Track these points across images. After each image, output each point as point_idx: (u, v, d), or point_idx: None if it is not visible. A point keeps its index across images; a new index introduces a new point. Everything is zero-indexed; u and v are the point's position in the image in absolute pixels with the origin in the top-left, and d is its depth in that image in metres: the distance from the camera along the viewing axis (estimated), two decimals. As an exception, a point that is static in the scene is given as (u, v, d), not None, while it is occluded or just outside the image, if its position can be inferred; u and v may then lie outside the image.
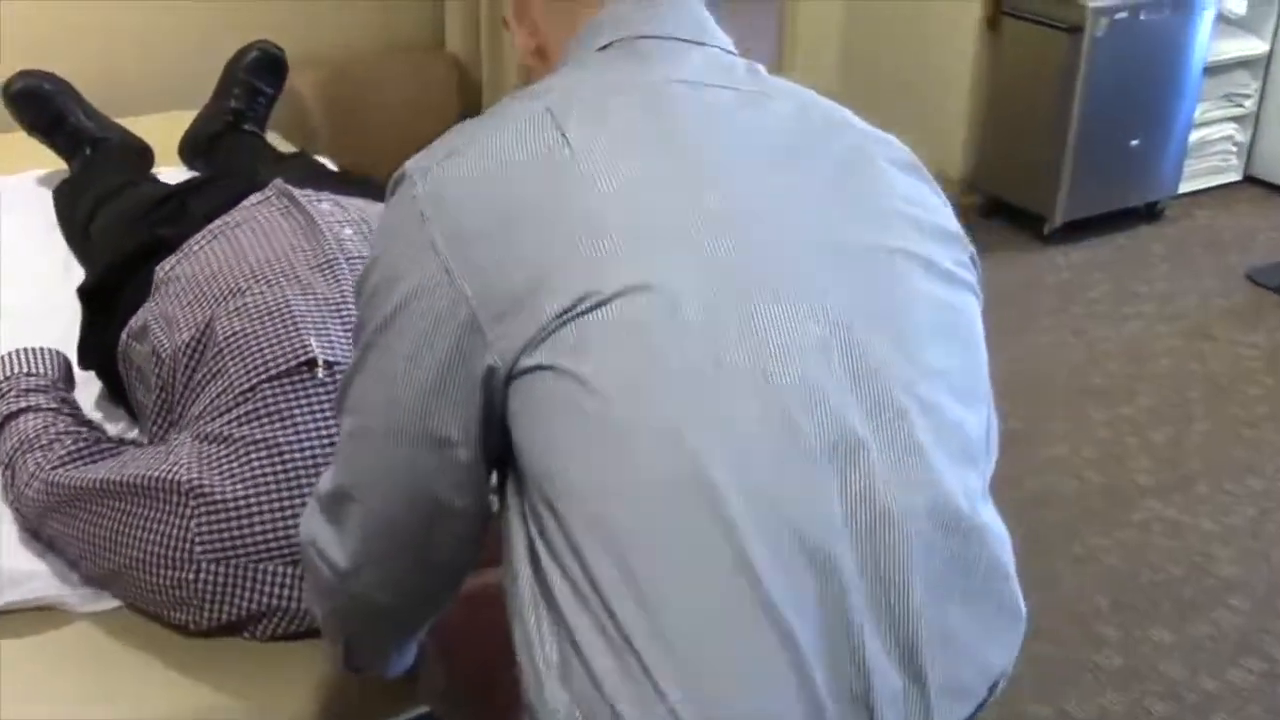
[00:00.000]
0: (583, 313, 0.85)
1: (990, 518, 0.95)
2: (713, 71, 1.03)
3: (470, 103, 3.63)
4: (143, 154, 2.44)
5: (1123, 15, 3.75)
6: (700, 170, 0.94)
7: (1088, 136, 3.89)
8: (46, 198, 2.36)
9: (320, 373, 1.36)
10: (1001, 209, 4.15)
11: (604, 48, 1.04)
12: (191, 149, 2.50)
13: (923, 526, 0.89)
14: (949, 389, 0.94)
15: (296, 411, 1.34)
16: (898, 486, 0.88)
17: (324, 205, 1.59)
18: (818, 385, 0.87)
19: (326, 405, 1.35)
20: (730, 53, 1.08)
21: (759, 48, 5.16)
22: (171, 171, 2.47)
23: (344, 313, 1.43)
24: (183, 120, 2.57)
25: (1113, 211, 4.13)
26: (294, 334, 1.38)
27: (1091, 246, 4.04)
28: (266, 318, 1.40)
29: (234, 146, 2.44)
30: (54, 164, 2.48)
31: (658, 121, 0.96)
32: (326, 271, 1.48)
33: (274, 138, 2.74)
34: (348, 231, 1.55)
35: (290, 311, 1.40)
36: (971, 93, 4.17)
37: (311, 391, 1.35)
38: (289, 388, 1.34)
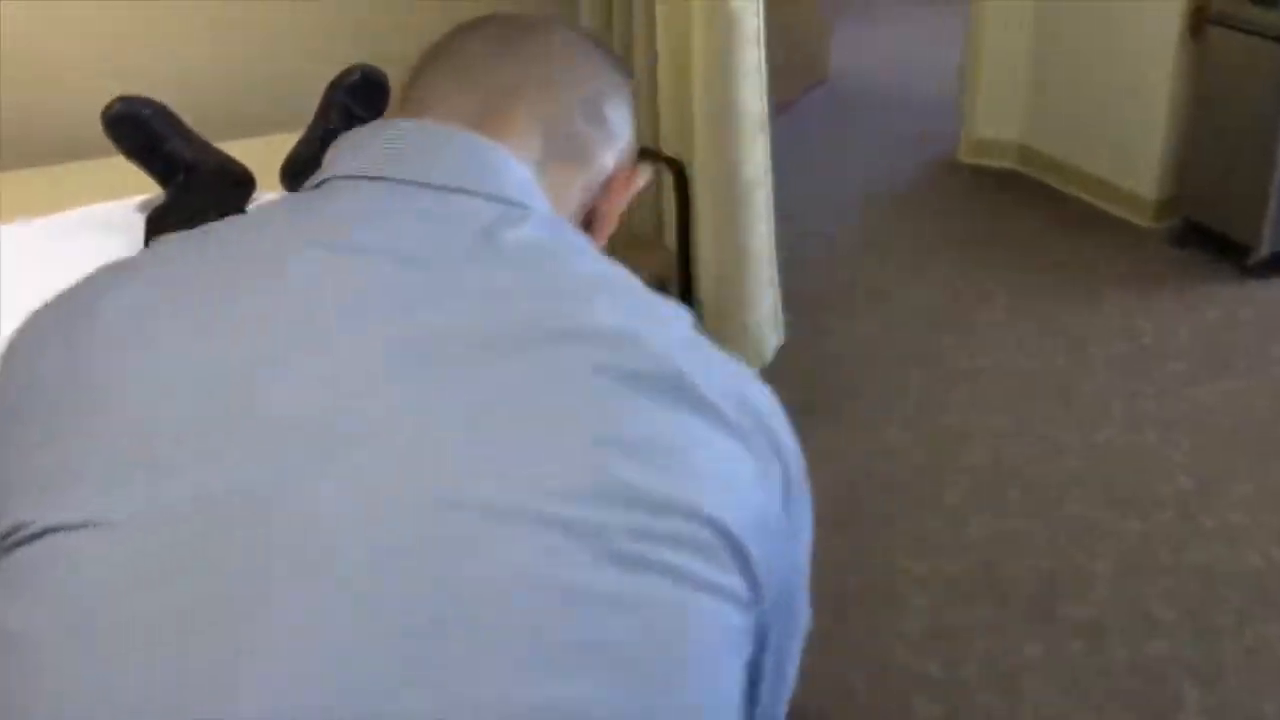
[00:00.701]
0: (11, 546, 0.68)
1: None
2: (411, 232, 0.79)
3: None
4: (239, 180, 2.38)
5: (1343, 21, 3.34)
6: (263, 371, 0.71)
7: (1301, 157, 3.48)
8: (141, 224, 2.33)
9: None
10: (1199, 236, 3.75)
11: (318, 185, 0.85)
12: (290, 173, 2.44)
13: None
14: None
15: None
16: None
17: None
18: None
19: None
20: (508, 203, 0.82)
21: (946, 52, 4.88)
22: (272, 196, 2.42)
23: None
24: (291, 143, 2.51)
25: (1329, 243, 3.69)
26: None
27: (1302, 282, 3.61)
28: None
29: (326, 172, 2.37)
30: (156, 189, 2.45)
31: (242, 296, 0.75)
32: None
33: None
34: None
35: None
36: (1170, 107, 3.81)
37: None
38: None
